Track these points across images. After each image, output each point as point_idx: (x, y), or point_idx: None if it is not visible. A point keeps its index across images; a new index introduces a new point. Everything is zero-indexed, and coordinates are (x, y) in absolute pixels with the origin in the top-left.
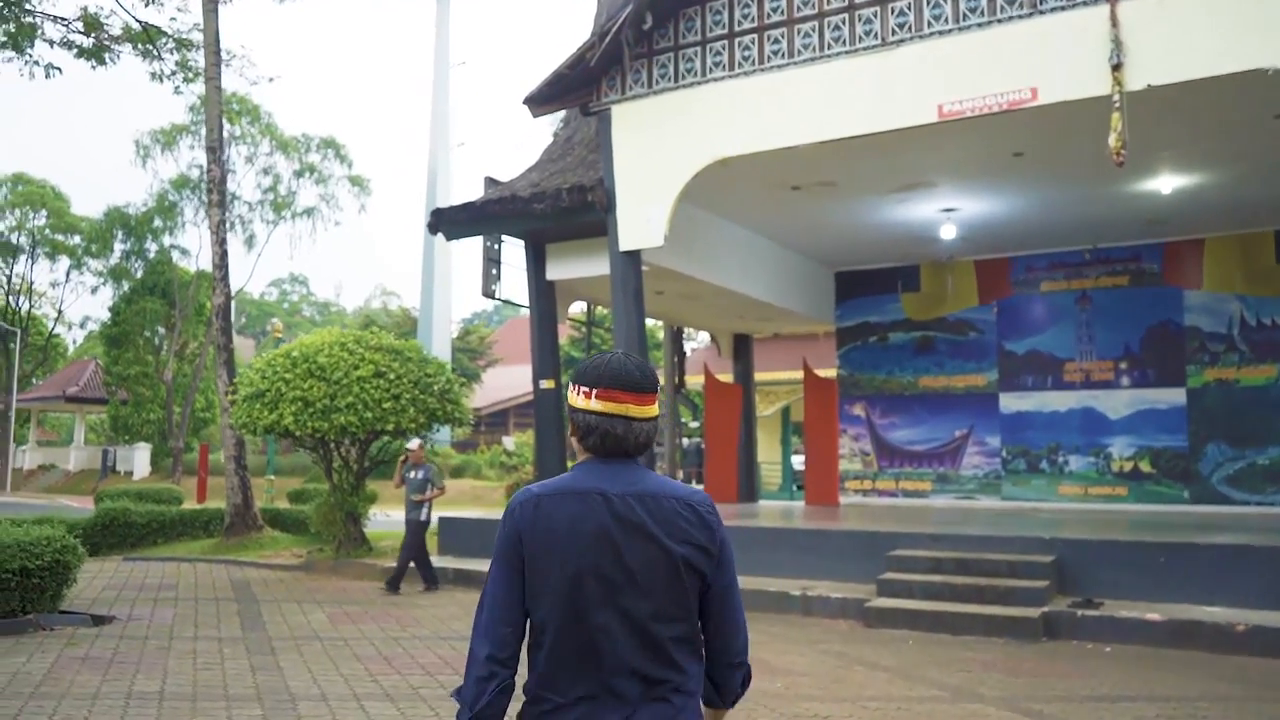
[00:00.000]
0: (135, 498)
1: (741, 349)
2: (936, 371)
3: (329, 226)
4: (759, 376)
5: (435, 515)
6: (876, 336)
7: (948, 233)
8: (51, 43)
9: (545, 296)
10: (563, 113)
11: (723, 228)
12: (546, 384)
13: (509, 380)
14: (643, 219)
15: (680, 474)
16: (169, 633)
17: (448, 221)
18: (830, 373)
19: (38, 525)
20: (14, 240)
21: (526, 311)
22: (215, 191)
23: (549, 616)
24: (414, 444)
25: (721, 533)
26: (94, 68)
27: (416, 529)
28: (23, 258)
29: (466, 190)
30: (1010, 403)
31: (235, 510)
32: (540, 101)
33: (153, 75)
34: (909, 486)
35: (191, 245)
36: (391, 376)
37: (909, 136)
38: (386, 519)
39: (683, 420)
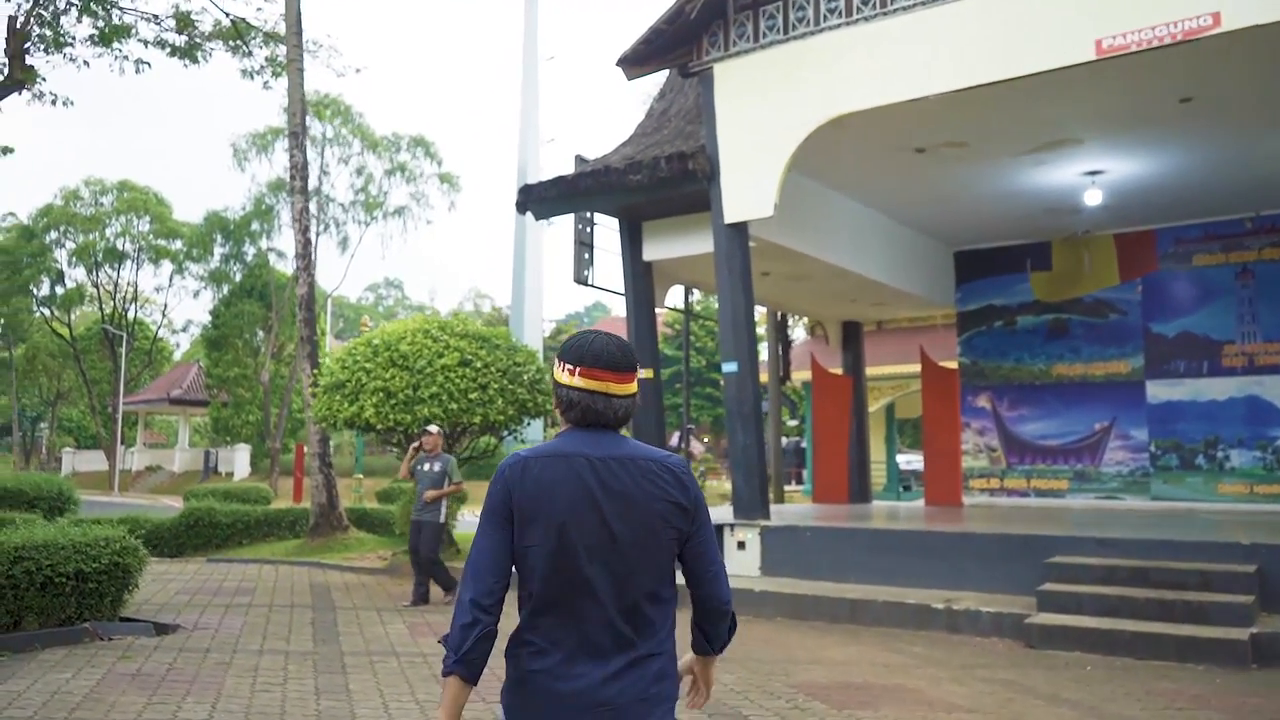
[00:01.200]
0: (222, 497)
1: (850, 338)
2: (1072, 358)
3: (420, 226)
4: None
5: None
6: (1002, 321)
7: (1092, 199)
8: (146, 42)
9: (642, 279)
10: (657, 87)
11: (835, 201)
12: (644, 374)
13: None
14: (750, 188)
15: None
16: (233, 645)
17: (537, 199)
18: (949, 363)
19: (97, 525)
20: (120, 246)
21: (618, 313)
22: (298, 178)
23: (535, 569)
24: (431, 429)
25: (696, 490)
26: (185, 66)
27: (433, 533)
28: (129, 263)
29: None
30: (1159, 391)
31: (320, 510)
32: (635, 62)
33: (243, 72)
34: (1042, 485)
35: (288, 248)
36: (478, 365)
37: (1057, 81)
38: (475, 520)
39: (782, 419)
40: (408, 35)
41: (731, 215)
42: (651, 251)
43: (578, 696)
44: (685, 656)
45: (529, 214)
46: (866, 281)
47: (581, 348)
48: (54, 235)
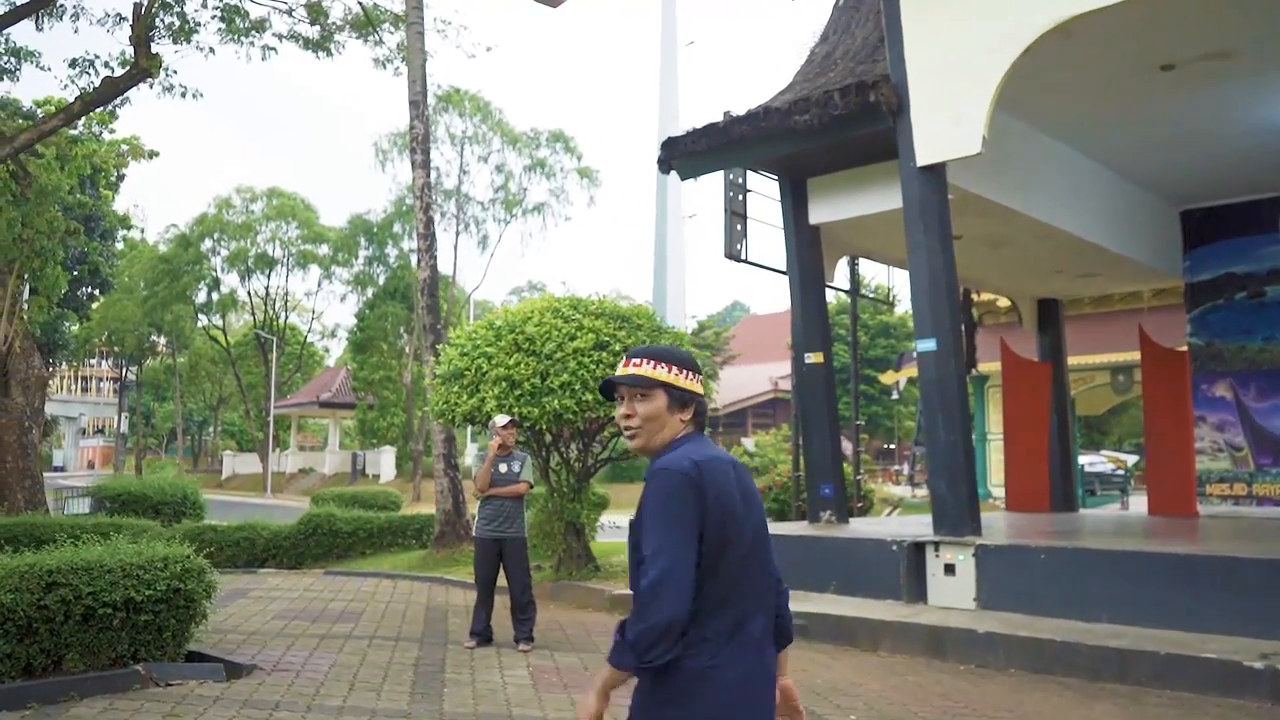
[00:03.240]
0: (349, 502)
1: (1048, 318)
2: None
3: (559, 222)
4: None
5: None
6: (1246, 292)
7: None
8: (280, 36)
9: (809, 246)
10: (814, 36)
11: (1045, 147)
12: (814, 358)
13: (746, 379)
14: (948, 121)
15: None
16: (310, 698)
17: (683, 152)
18: (1173, 345)
19: (156, 542)
20: (270, 252)
21: (758, 310)
22: (419, 151)
23: (720, 566)
24: (501, 420)
25: None
26: (318, 57)
27: (521, 555)
28: (279, 269)
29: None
30: None
31: (445, 518)
32: None
33: (375, 61)
34: None
35: None
36: (617, 349)
37: None
38: (618, 530)
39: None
40: (543, 28)
41: (926, 156)
42: (819, 213)
43: (752, 685)
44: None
45: (672, 174)
46: (1080, 245)
47: (689, 358)
48: (209, 244)
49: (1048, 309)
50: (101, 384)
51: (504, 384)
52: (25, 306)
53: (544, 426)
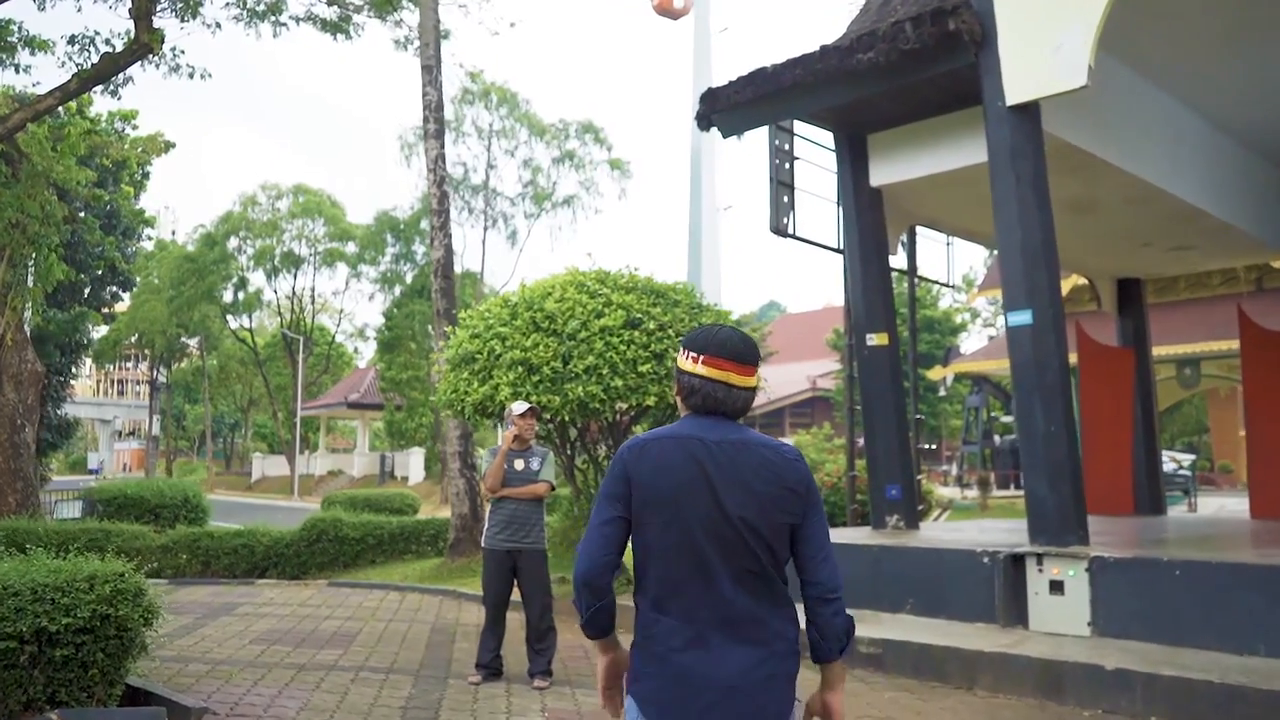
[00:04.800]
0: (361, 505)
1: (1129, 300)
2: None
3: (589, 215)
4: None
5: None
6: None
7: None
8: (297, 19)
9: (870, 211)
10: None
11: (1146, 95)
12: (877, 339)
13: (783, 379)
14: (1046, 49)
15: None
16: None
17: (726, 104)
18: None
19: (79, 559)
20: (296, 250)
21: (795, 309)
22: (432, 120)
23: (652, 549)
24: (518, 408)
25: (808, 476)
26: (335, 39)
27: (541, 570)
28: (306, 268)
29: (734, 172)
30: None
31: (461, 522)
32: None
33: (395, 43)
34: None
35: (458, 245)
36: (651, 327)
37: None
38: None
39: (992, 414)
40: (573, 14)
41: (1018, 93)
42: (882, 174)
43: (699, 676)
44: (811, 696)
45: (713, 130)
46: (1179, 211)
47: (707, 336)
48: (235, 242)
49: (1129, 290)
50: (137, 387)
51: (520, 369)
52: (26, 296)
53: (567, 418)
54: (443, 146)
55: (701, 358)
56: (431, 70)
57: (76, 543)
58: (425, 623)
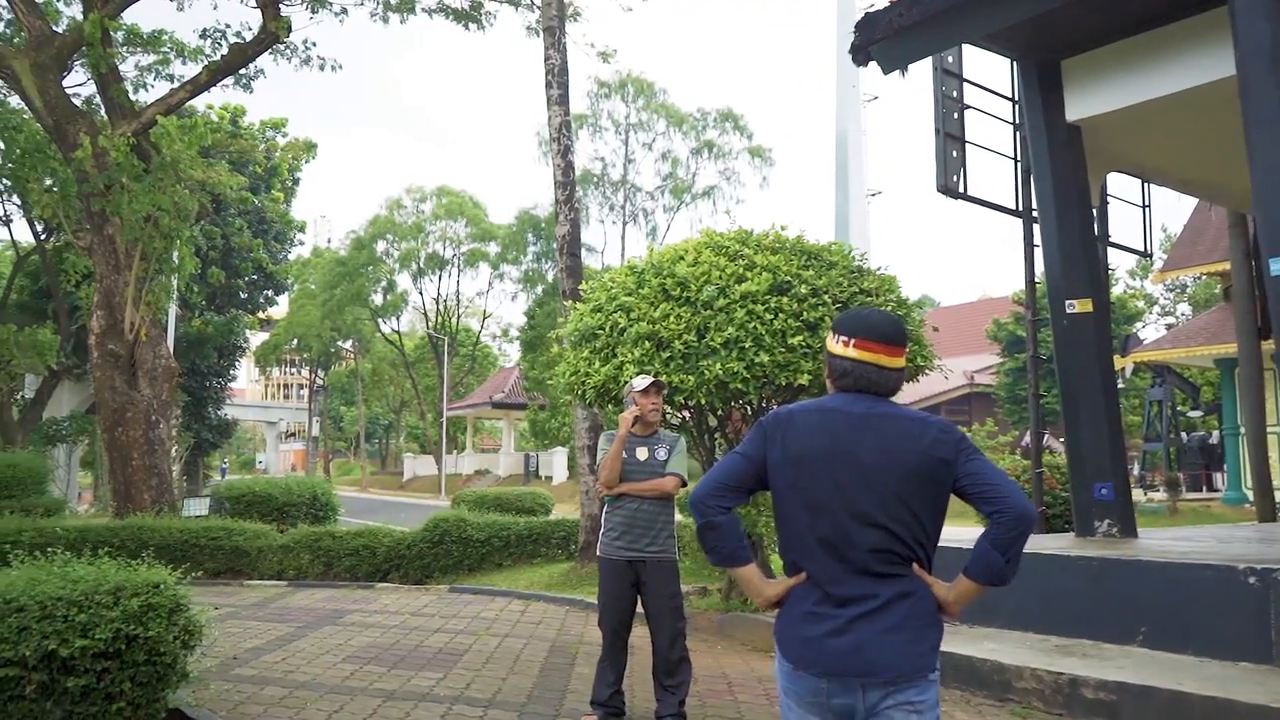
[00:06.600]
0: (489, 505)
1: None
2: None
3: (730, 206)
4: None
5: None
6: None
7: None
8: (430, 12)
9: (1066, 152)
10: None
11: None
12: (1080, 306)
13: (938, 374)
14: None
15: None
16: None
17: (887, 31)
18: None
19: (105, 566)
20: (440, 251)
21: (948, 302)
22: (555, 84)
23: (790, 515)
24: (640, 383)
25: (959, 441)
26: (467, 28)
27: (672, 582)
28: (450, 269)
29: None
30: None
31: (590, 524)
32: None
33: (528, 29)
34: None
35: (596, 241)
36: (803, 292)
37: None
38: None
39: (1179, 409)
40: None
41: None
42: (1080, 106)
43: (826, 638)
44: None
45: (872, 65)
46: None
47: (857, 320)
48: (382, 246)
49: None
50: (300, 391)
51: (647, 344)
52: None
53: (704, 401)
54: (567, 114)
55: (852, 341)
56: (554, 31)
57: (198, 541)
58: (544, 639)
